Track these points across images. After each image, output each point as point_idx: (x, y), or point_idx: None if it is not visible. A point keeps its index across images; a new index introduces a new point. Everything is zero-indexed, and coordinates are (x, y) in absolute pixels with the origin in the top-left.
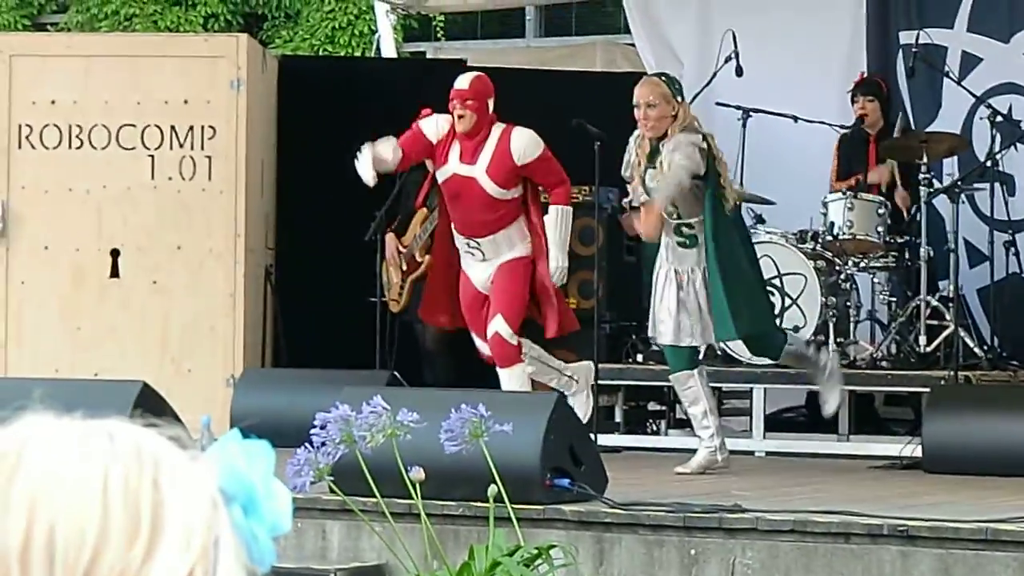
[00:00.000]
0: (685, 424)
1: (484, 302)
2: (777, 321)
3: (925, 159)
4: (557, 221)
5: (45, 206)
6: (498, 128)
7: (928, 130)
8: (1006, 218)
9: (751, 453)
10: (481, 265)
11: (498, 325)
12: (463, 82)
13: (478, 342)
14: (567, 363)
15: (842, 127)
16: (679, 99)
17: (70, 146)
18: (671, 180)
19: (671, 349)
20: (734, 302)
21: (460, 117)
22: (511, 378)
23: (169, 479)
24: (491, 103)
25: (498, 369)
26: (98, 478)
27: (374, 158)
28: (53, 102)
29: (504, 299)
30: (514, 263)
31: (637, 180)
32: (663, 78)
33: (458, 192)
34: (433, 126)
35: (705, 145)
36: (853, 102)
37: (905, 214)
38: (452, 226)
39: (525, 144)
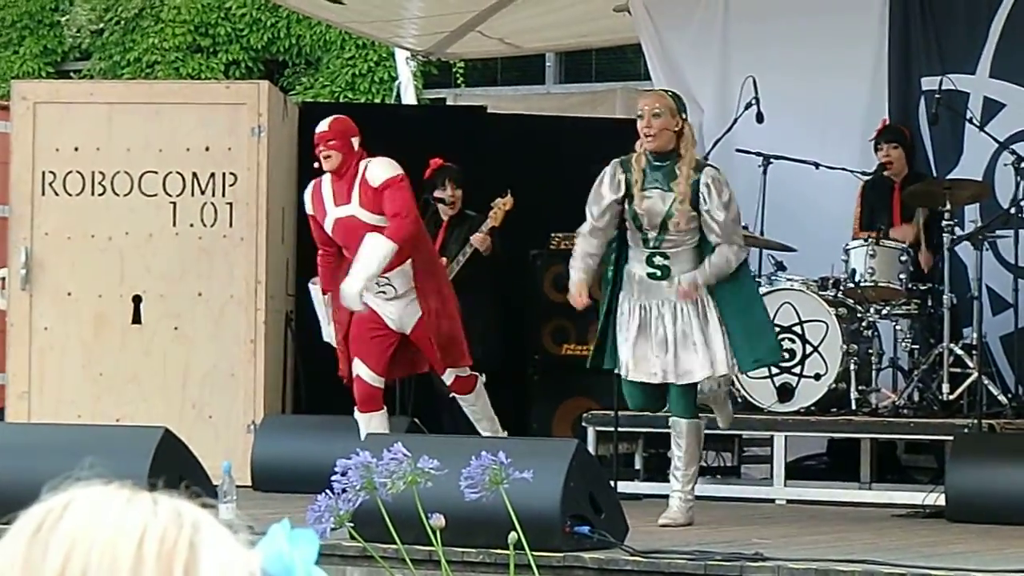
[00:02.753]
0: (705, 472)
1: (388, 337)
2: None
3: (948, 206)
4: (373, 249)
5: (68, 253)
6: (364, 163)
7: (950, 176)
8: None
9: (772, 501)
10: (394, 303)
11: (455, 372)
12: (323, 126)
13: (363, 370)
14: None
15: (864, 174)
16: (683, 116)
17: (93, 193)
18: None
19: (630, 385)
20: (753, 331)
21: (326, 158)
22: (475, 398)
23: (207, 544)
24: (355, 141)
25: (459, 398)
26: (135, 531)
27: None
28: (76, 149)
29: (446, 355)
30: (429, 314)
31: (629, 205)
32: (669, 93)
33: (347, 235)
34: (306, 200)
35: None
36: (877, 149)
37: (925, 271)
38: None
39: (379, 168)
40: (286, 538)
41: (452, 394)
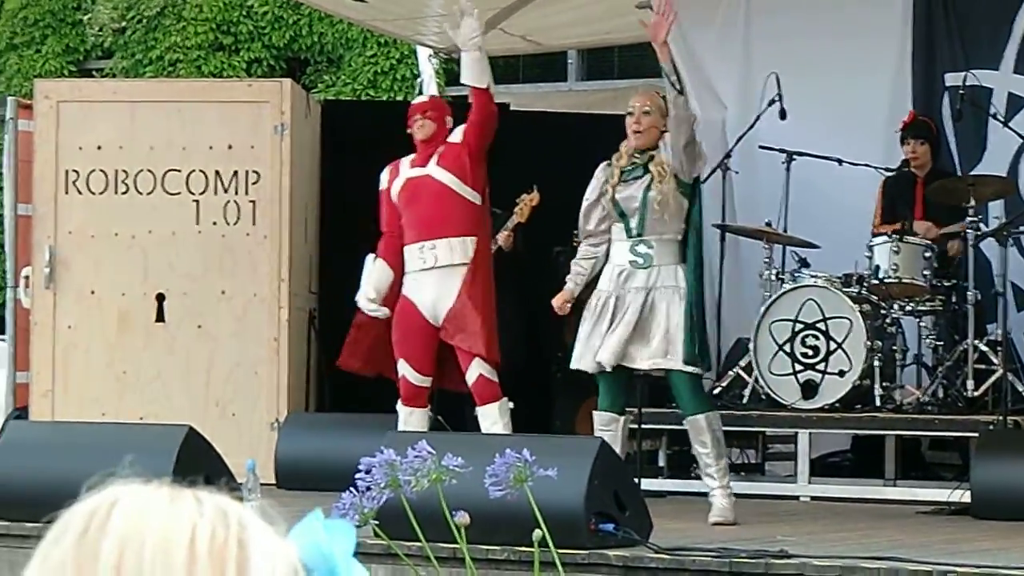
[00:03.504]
0: (729, 469)
1: (431, 334)
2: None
3: (972, 202)
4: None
5: (91, 251)
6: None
7: (974, 173)
8: None
9: (796, 498)
10: (429, 282)
11: (480, 368)
12: (422, 98)
13: (408, 371)
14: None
15: (887, 169)
16: None
17: (116, 191)
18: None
19: (605, 383)
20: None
21: (420, 127)
22: (496, 413)
23: (254, 541)
24: (449, 120)
25: (480, 410)
26: (185, 533)
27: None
28: (99, 148)
29: (475, 344)
30: (467, 299)
31: (608, 198)
32: (661, 94)
33: (412, 194)
34: (383, 176)
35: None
36: (903, 144)
37: (955, 261)
38: (404, 258)
39: (461, 126)
40: (323, 529)
41: (475, 406)
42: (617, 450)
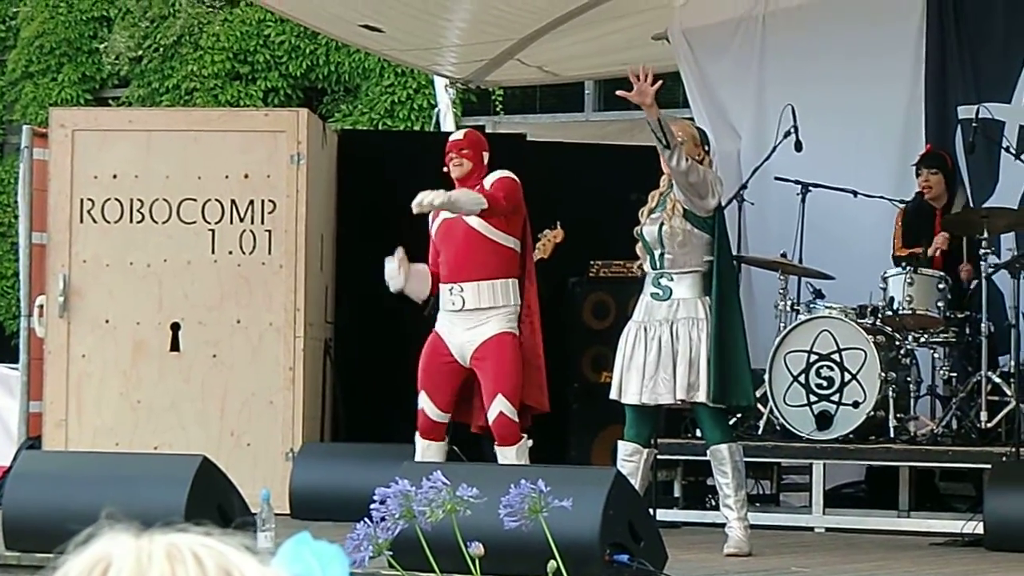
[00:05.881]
0: None
1: (455, 370)
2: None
3: (986, 234)
4: (466, 192)
5: (106, 280)
6: (487, 178)
7: (987, 205)
8: None
9: (810, 529)
10: (460, 324)
11: (501, 405)
12: (458, 134)
13: (428, 404)
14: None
15: (902, 201)
16: (706, 148)
17: (131, 220)
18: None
19: (633, 414)
20: (738, 369)
21: (457, 165)
22: (515, 456)
23: None
24: (486, 156)
25: (499, 449)
26: None
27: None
28: (115, 176)
29: (501, 377)
30: (501, 337)
31: (637, 231)
32: (696, 126)
33: (445, 235)
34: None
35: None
36: (917, 175)
37: (969, 286)
38: (440, 295)
39: (497, 174)
40: (313, 556)
41: (495, 445)
42: (636, 482)
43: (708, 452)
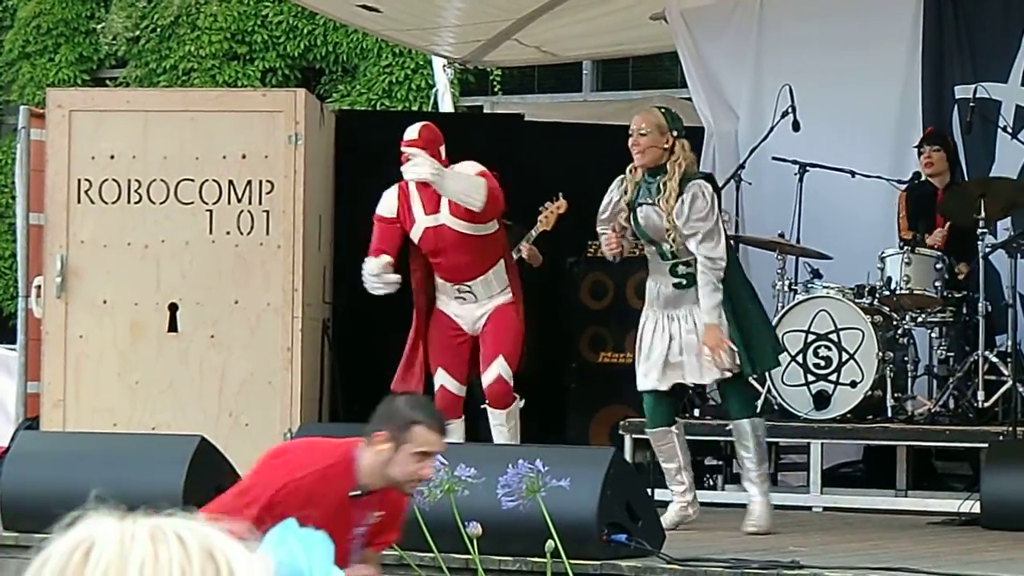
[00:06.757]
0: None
1: (466, 342)
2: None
3: (983, 214)
4: (468, 175)
5: (104, 261)
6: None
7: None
8: None
9: (808, 508)
10: (472, 306)
11: (499, 367)
12: (412, 132)
13: (447, 380)
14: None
15: (900, 182)
16: (674, 133)
17: (129, 201)
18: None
19: (653, 401)
20: (758, 337)
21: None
22: (505, 419)
23: None
24: (442, 150)
25: (491, 410)
26: (172, 574)
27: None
28: (112, 157)
29: (501, 342)
30: (506, 307)
31: (622, 216)
32: (662, 110)
33: (435, 245)
34: (386, 205)
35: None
36: (919, 153)
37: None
38: (436, 283)
39: (466, 168)
40: (297, 541)
41: (486, 406)
42: (680, 459)
43: (732, 427)
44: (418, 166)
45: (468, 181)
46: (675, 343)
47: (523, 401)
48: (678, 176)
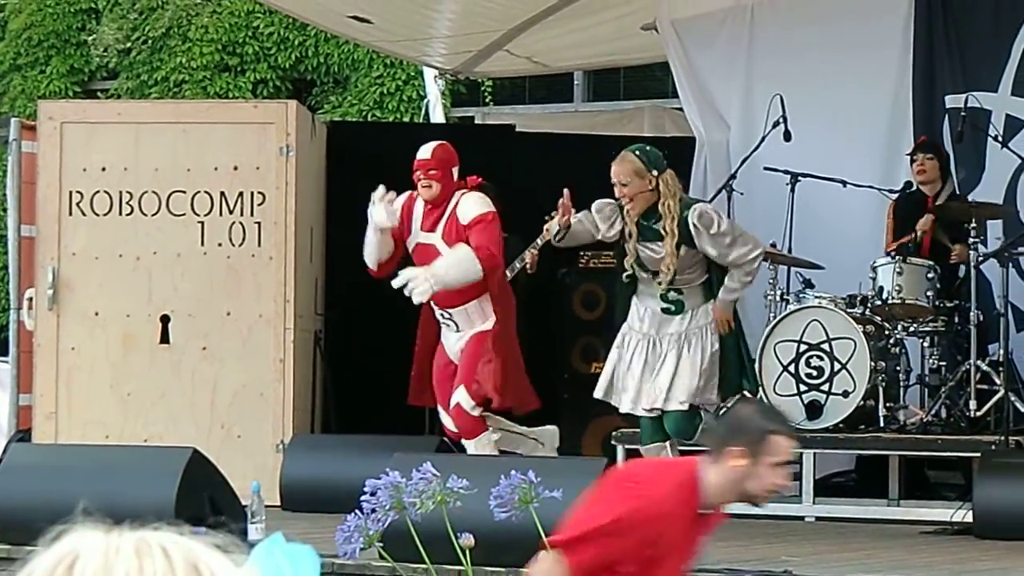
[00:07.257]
0: None
1: (454, 374)
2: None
3: (974, 223)
4: (460, 261)
5: (95, 272)
6: (458, 195)
7: (973, 197)
8: None
9: (801, 518)
10: (454, 336)
11: (459, 396)
12: (425, 152)
13: (443, 417)
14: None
15: (891, 191)
16: (654, 172)
17: (120, 212)
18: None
19: (646, 419)
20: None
21: (425, 187)
22: (477, 449)
23: None
24: (455, 171)
25: (463, 442)
26: None
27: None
28: (103, 169)
29: (467, 371)
30: (481, 335)
31: (631, 251)
32: (636, 152)
33: (424, 261)
34: (397, 205)
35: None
36: (912, 161)
37: (959, 271)
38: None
39: (471, 205)
40: (284, 555)
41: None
42: None
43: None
44: (423, 294)
45: (460, 265)
46: (661, 371)
47: (497, 435)
48: (674, 215)
